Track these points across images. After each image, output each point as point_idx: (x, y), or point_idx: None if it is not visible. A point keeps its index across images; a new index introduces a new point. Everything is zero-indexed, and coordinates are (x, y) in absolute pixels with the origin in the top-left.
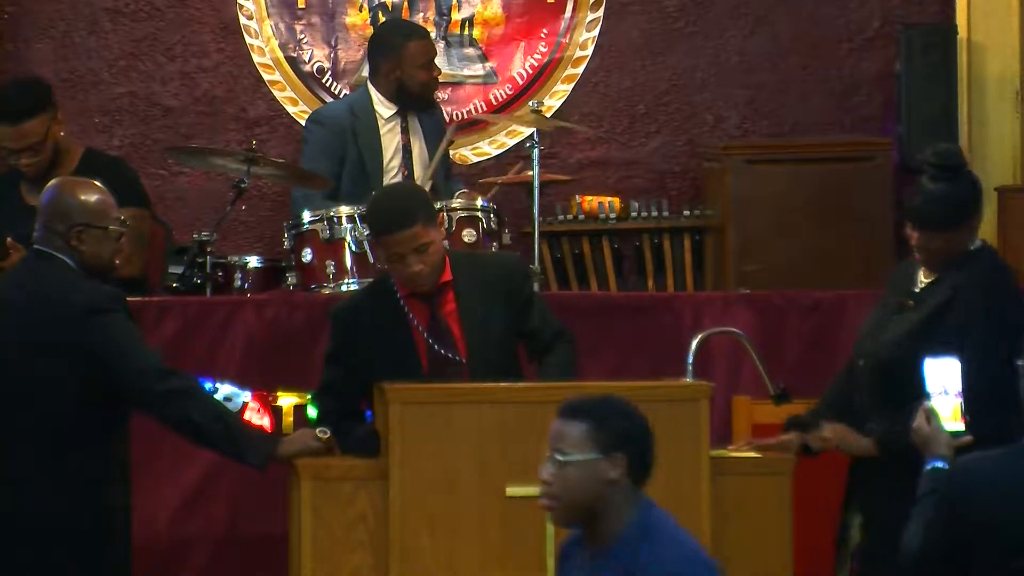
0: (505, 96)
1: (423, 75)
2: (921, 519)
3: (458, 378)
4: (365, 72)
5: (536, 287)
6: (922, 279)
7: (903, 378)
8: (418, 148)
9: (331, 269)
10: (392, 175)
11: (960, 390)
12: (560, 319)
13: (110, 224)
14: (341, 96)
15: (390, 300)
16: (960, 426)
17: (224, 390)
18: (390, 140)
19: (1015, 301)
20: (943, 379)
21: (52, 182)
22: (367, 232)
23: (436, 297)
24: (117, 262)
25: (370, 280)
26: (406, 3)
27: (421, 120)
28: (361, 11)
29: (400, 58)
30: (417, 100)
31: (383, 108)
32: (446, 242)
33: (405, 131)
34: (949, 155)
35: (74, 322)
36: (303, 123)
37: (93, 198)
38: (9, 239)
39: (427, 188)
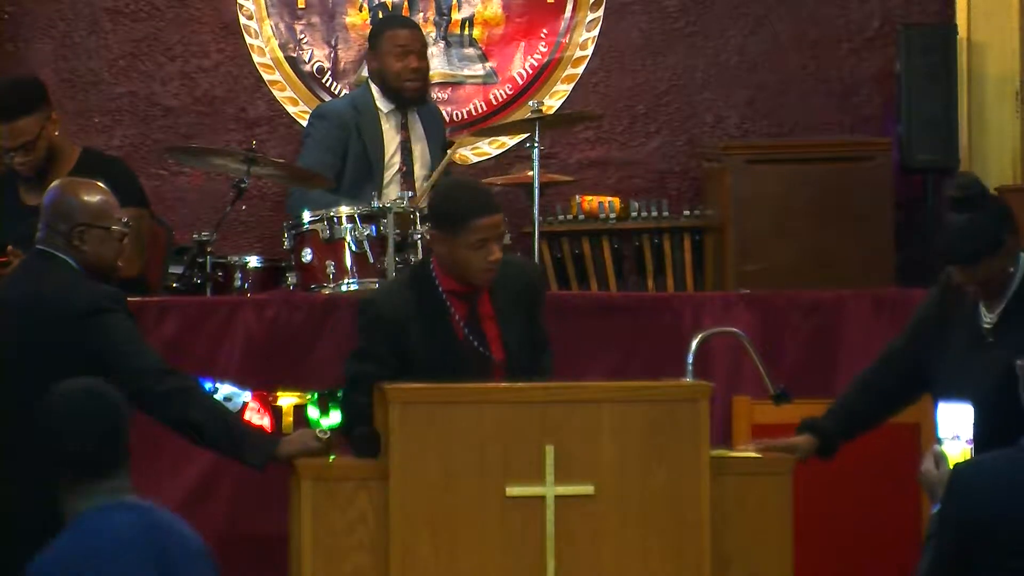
0: (505, 96)
1: (396, 65)
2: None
3: (492, 379)
4: (365, 72)
5: None
6: (985, 313)
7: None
8: (419, 146)
9: (331, 269)
10: (392, 172)
11: (971, 436)
12: (560, 319)
13: (113, 224)
14: (341, 96)
15: (432, 294)
16: None
17: (224, 390)
18: (391, 137)
19: None
20: (955, 424)
21: (55, 183)
22: (448, 221)
23: (476, 296)
24: (120, 263)
25: (399, 277)
26: (406, 3)
27: (420, 117)
28: (361, 11)
29: (377, 49)
30: (395, 91)
31: (383, 103)
32: None
33: (405, 128)
34: (967, 184)
35: (74, 322)
36: (303, 123)
37: (96, 198)
38: (10, 247)
39: (428, 191)
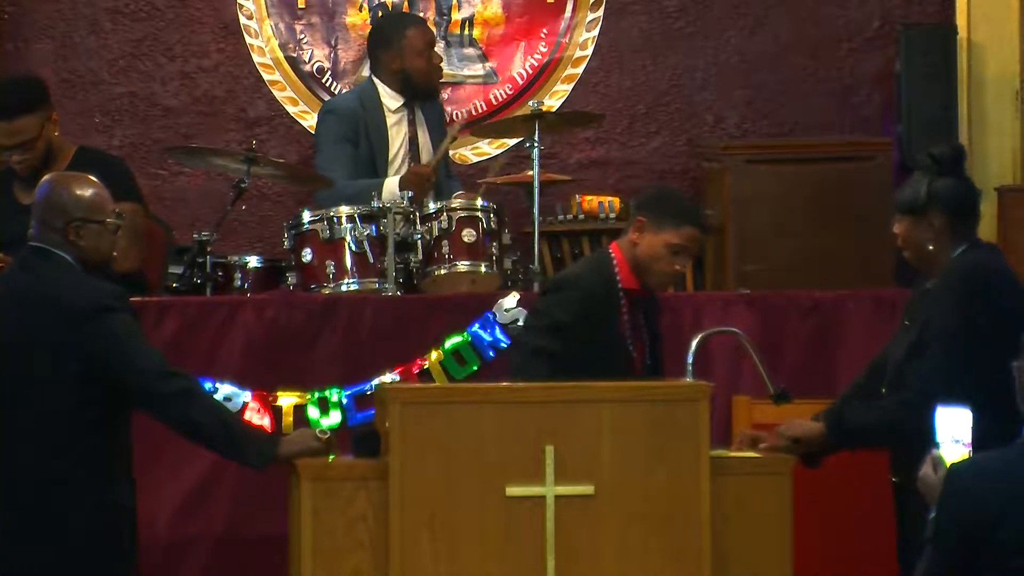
0: (505, 96)
1: (422, 62)
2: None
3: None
4: (365, 71)
5: (536, 287)
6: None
7: None
8: (423, 140)
9: (331, 269)
10: (397, 167)
11: (970, 440)
12: None
13: (107, 218)
14: (345, 92)
15: (610, 286)
16: None
17: (224, 390)
18: (397, 132)
19: (989, 304)
20: (953, 428)
21: (45, 178)
22: (665, 213)
23: (639, 303)
24: (115, 254)
25: (590, 262)
26: (406, 3)
27: (424, 112)
28: (361, 11)
29: (400, 48)
30: (422, 88)
31: (390, 101)
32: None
33: (412, 123)
34: (945, 149)
35: (78, 320)
36: (303, 123)
37: (88, 192)
38: (1, 255)
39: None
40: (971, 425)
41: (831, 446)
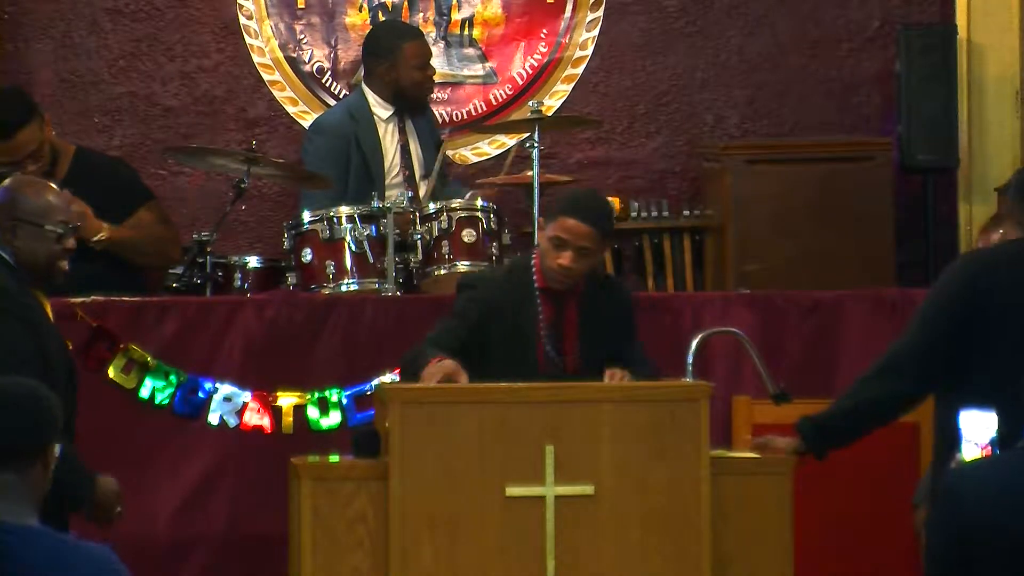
0: (505, 96)
1: (419, 75)
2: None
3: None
4: (363, 73)
5: None
6: None
7: None
8: (414, 148)
9: (331, 269)
10: (394, 175)
11: (989, 441)
12: None
13: (47, 224)
14: (341, 96)
15: (526, 288)
16: None
17: (224, 390)
18: (390, 141)
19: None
20: (976, 431)
21: (7, 180)
22: (547, 210)
23: (564, 301)
24: (61, 267)
25: (508, 263)
26: (406, 3)
27: (414, 120)
28: (361, 11)
29: (396, 60)
30: (413, 100)
31: (380, 110)
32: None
33: (403, 131)
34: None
35: None
36: (303, 123)
37: (42, 197)
38: None
39: (428, 194)
40: (995, 428)
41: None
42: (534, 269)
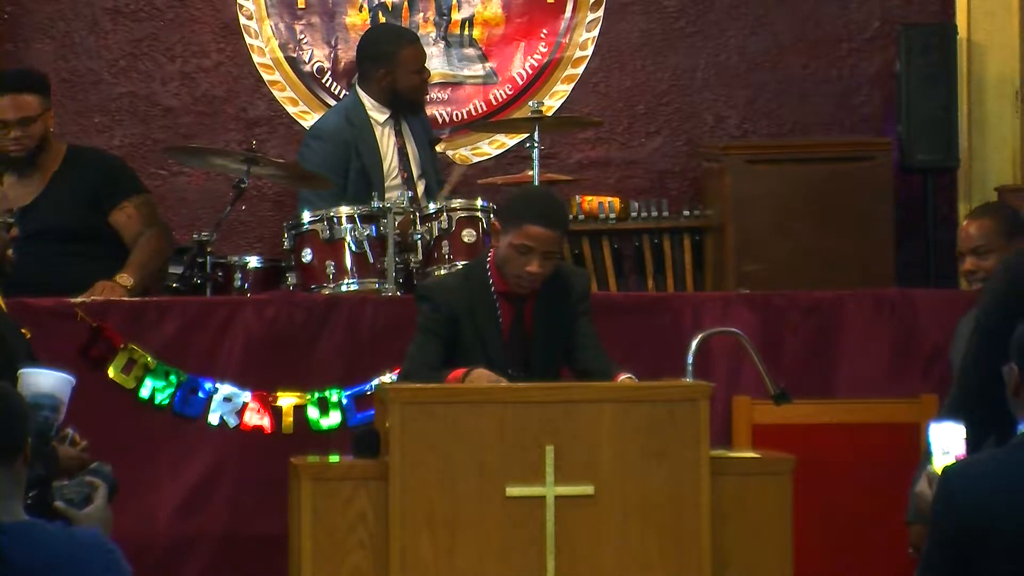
0: (505, 96)
1: (417, 80)
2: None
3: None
4: None
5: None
6: None
7: None
8: (411, 150)
9: (331, 269)
10: (392, 178)
11: (962, 452)
12: None
13: None
14: (341, 96)
15: (484, 293)
16: None
17: (224, 390)
18: (387, 144)
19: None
20: (946, 442)
21: None
22: (507, 215)
23: (523, 302)
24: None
25: (463, 268)
26: (406, 3)
27: (409, 122)
28: (361, 11)
29: (393, 64)
30: (410, 103)
31: (376, 113)
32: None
33: (399, 134)
34: None
35: None
36: (303, 123)
37: None
38: None
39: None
40: (964, 439)
41: None
42: (490, 273)
